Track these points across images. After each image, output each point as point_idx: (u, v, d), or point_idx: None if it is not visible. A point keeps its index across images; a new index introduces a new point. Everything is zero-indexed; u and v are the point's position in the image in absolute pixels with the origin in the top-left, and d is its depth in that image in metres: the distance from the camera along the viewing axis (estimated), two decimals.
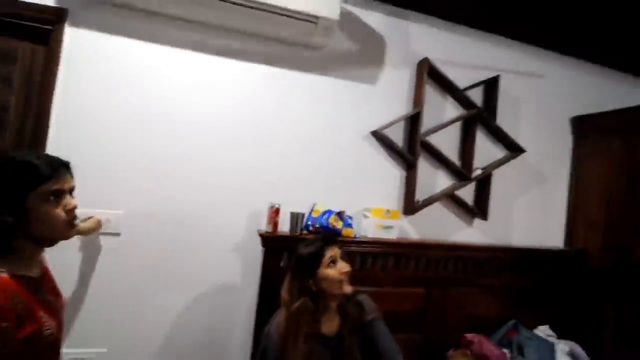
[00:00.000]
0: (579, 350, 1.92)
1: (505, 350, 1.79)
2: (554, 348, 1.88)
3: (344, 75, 1.83)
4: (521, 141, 2.09)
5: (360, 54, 1.87)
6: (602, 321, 2.03)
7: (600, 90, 2.37)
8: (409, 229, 1.92)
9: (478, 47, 2.08)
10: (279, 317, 1.22)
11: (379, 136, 1.85)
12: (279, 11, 1.49)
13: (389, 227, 1.74)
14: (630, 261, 1.94)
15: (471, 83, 2.03)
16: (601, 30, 1.96)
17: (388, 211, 1.76)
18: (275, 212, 1.55)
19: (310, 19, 1.53)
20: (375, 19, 1.89)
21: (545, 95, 2.24)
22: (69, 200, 0.85)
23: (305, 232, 1.62)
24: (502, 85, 2.06)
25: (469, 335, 1.77)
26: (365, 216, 1.76)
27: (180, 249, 1.60)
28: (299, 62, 1.76)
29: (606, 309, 2.03)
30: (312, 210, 1.66)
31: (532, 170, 2.21)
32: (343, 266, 1.21)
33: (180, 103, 1.61)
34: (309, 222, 1.63)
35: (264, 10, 1.48)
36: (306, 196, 1.73)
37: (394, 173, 1.90)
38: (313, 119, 1.78)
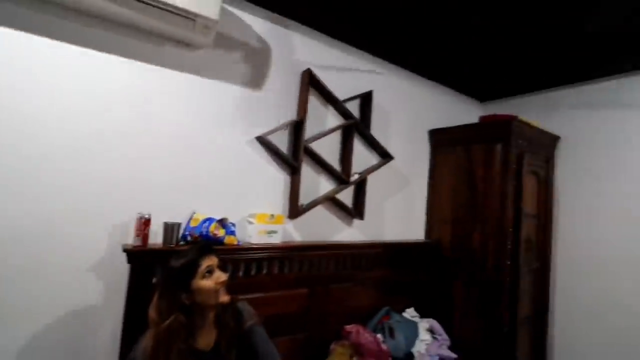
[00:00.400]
0: (436, 325, 2.30)
1: (379, 335, 2.01)
2: (417, 327, 2.21)
3: (227, 78, 1.78)
4: (390, 149, 2.39)
5: (246, 59, 1.84)
6: (452, 298, 2.47)
7: (450, 109, 2.90)
8: (294, 232, 1.98)
9: (356, 62, 2.30)
10: (147, 339, 1.10)
11: (263, 141, 1.86)
12: (152, 2, 1.36)
13: (273, 232, 1.76)
14: (469, 248, 2.41)
15: (350, 95, 2.22)
16: (454, 61, 2.40)
17: (272, 216, 1.78)
18: (145, 223, 1.39)
19: (188, 15, 1.45)
20: (261, 25, 1.89)
21: (409, 110, 2.62)
22: None
23: (182, 243, 1.50)
24: (375, 99, 2.32)
25: (348, 327, 1.93)
26: (250, 222, 1.74)
27: (19, 274, 1.30)
28: (177, 61, 1.64)
29: (455, 288, 2.47)
30: (190, 219, 1.56)
31: (399, 174, 2.55)
32: (219, 275, 1.17)
33: (18, 94, 1.30)
34: (187, 232, 1.52)
35: None
36: (185, 204, 1.62)
37: (278, 178, 1.93)
38: (192, 122, 1.68)
